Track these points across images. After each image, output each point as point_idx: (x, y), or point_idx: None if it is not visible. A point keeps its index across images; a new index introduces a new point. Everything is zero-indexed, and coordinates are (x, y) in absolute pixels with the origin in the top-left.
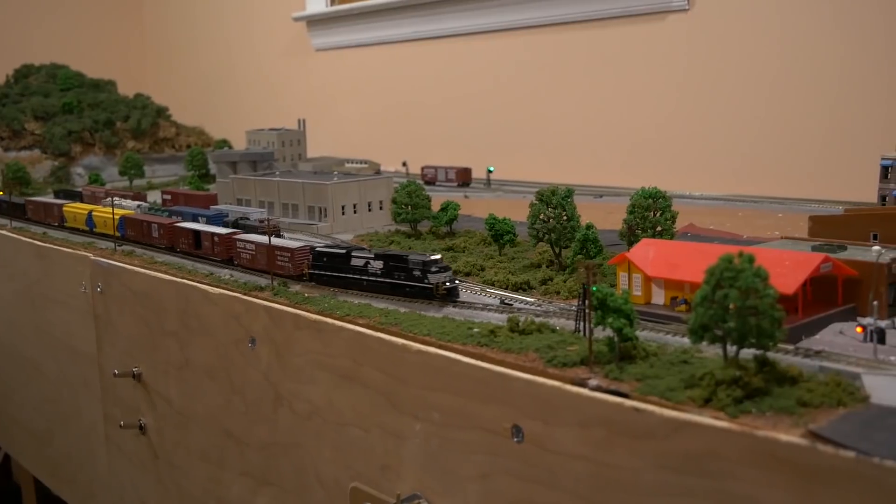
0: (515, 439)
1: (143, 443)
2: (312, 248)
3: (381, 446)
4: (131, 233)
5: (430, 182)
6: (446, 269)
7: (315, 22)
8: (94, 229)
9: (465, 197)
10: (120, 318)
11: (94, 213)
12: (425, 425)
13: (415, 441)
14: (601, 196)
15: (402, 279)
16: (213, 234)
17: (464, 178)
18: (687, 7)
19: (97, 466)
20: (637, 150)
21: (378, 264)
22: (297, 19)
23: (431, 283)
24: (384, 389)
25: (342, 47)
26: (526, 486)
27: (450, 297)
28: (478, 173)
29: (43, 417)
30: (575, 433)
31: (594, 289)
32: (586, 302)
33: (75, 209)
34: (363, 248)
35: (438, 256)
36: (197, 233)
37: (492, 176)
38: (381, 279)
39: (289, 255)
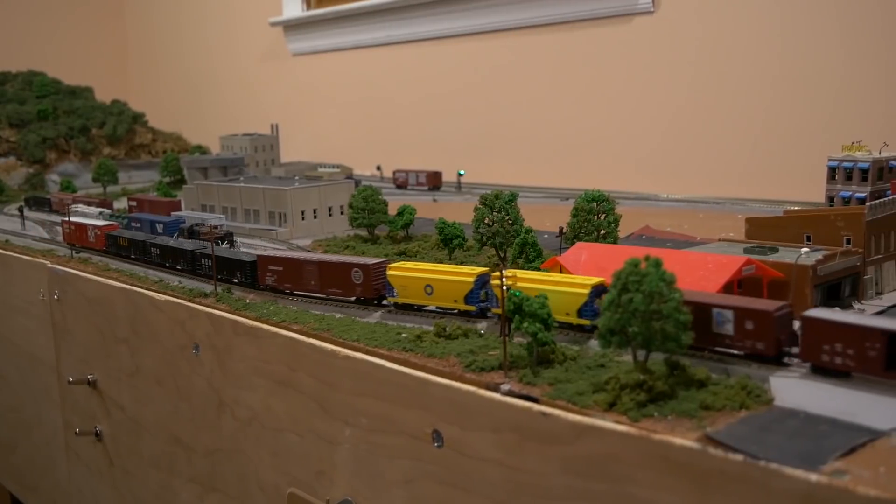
0: (436, 444)
1: (100, 450)
2: None
3: (315, 452)
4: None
5: (402, 186)
6: None
7: (291, 27)
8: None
9: (434, 200)
10: (76, 326)
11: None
12: (354, 430)
13: (345, 446)
14: (567, 199)
15: None
16: None
17: (434, 181)
18: (652, 9)
19: (58, 474)
20: (606, 152)
21: None
22: (273, 24)
23: None
24: (316, 395)
25: (318, 52)
26: (446, 490)
27: None
28: (452, 177)
29: (7, 425)
30: (489, 438)
31: (514, 293)
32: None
33: (410, 273)
34: None
35: None
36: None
37: (463, 179)
38: None
39: None
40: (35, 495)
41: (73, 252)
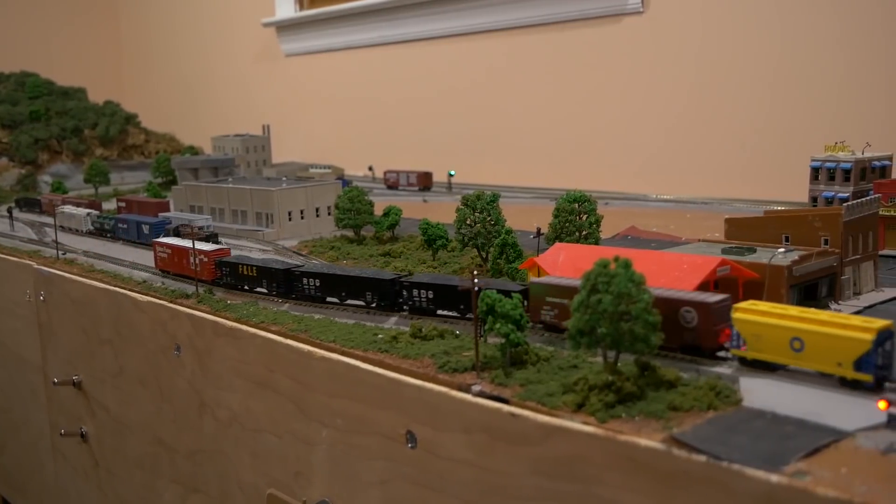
0: (410, 445)
1: (85, 451)
2: None
3: (293, 453)
4: None
5: (393, 186)
6: None
7: (284, 27)
8: None
9: (424, 201)
10: (61, 327)
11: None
12: (330, 432)
13: (322, 447)
14: (556, 199)
15: None
16: None
17: (424, 182)
18: (642, 10)
19: (45, 474)
20: (596, 153)
21: None
22: (266, 25)
23: None
24: (294, 396)
25: (311, 52)
26: (420, 491)
27: None
28: (443, 177)
29: None
30: (460, 439)
31: (487, 293)
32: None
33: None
34: None
35: None
36: None
37: (454, 180)
38: None
39: None
40: (23, 496)
41: (59, 252)
